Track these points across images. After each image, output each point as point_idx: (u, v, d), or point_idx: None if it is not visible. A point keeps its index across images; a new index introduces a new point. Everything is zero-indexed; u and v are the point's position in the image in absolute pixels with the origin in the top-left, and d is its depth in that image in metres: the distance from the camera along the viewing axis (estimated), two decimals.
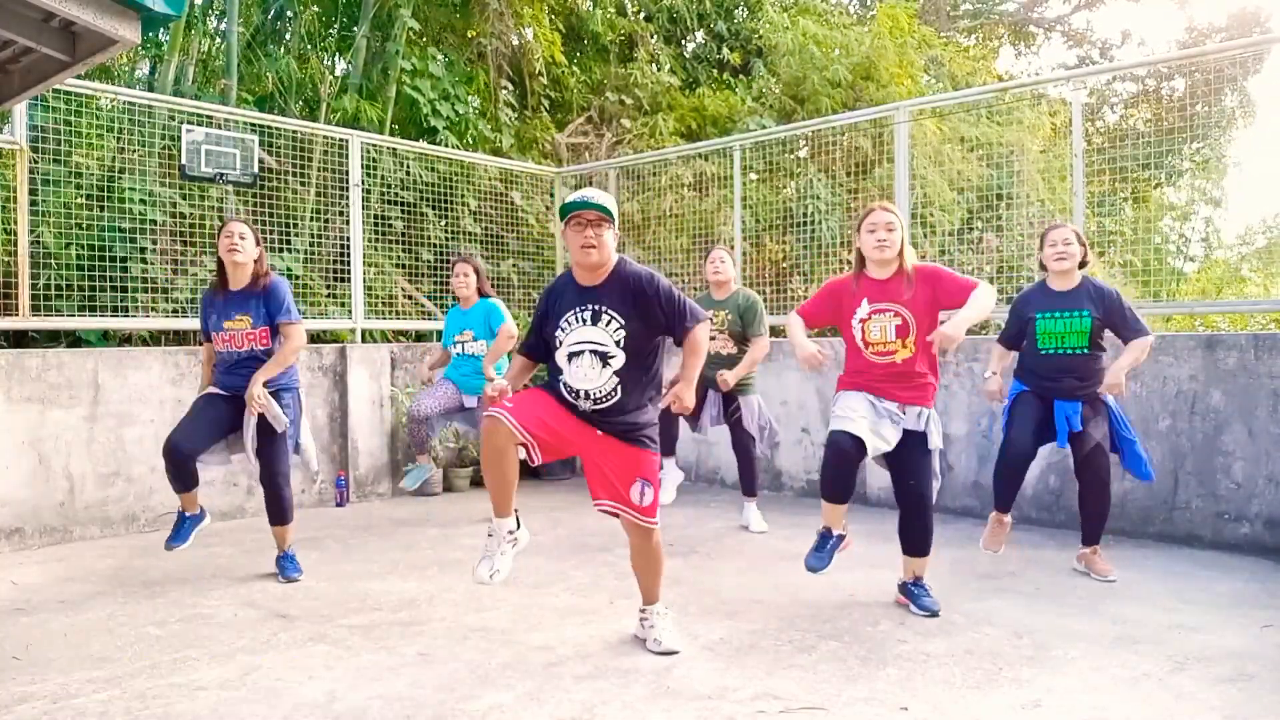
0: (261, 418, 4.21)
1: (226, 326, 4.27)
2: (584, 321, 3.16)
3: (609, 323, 3.14)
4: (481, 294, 5.67)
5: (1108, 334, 4.29)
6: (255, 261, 4.32)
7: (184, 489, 4.27)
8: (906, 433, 3.66)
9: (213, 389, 4.34)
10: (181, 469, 4.21)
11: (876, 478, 6.13)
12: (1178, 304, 6.13)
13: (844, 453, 3.61)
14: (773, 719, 2.72)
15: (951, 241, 6.93)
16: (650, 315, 3.17)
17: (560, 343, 3.19)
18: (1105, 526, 4.35)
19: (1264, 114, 11.66)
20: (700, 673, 3.08)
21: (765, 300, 6.98)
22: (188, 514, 4.35)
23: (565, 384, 3.21)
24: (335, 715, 2.75)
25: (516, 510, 3.28)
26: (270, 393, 4.23)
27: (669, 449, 5.52)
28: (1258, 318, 8.05)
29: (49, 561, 4.74)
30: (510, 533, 3.26)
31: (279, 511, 4.36)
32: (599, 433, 3.21)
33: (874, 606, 3.84)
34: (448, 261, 7.63)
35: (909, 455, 3.68)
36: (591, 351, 3.12)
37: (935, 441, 3.68)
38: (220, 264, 4.32)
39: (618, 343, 3.13)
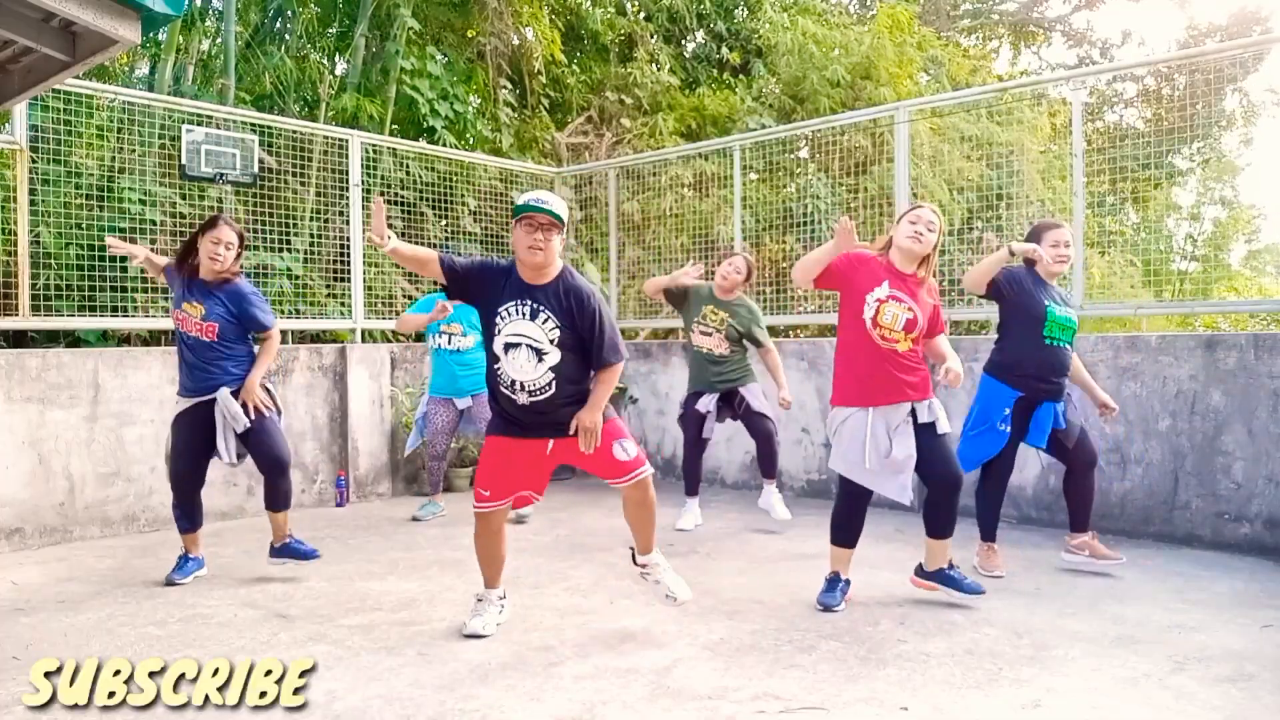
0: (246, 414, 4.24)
1: (185, 308, 4.23)
2: (523, 315, 3.29)
3: (545, 321, 3.29)
4: None
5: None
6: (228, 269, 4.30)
7: (191, 527, 4.35)
8: (922, 426, 3.73)
9: (182, 401, 4.28)
10: (190, 502, 4.32)
11: None
12: (1178, 304, 6.13)
13: (857, 501, 3.82)
14: (773, 719, 2.72)
15: (951, 241, 6.93)
16: (578, 330, 3.31)
17: (498, 330, 3.32)
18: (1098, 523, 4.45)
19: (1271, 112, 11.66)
20: (700, 673, 3.08)
21: (765, 300, 7.00)
22: (191, 555, 4.40)
23: (501, 376, 3.33)
24: (335, 715, 2.75)
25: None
26: (235, 390, 4.24)
27: (693, 489, 5.56)
28: (1258, 318, 8.06)
29: (49, 561, 4.74)
30: (500, 598, 3.63)
31: (283, 496, 4.36)
32: (549, 447, 3.40)
33: (874, 606, 3.84)
34: None
35: (931, 445, 3.73)
36: (528, 346, 3.27)
37: (944, 426, 3.77)
38: (194, 250, 4.24)
39: (552, 340, 3.28)
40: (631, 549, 3.62)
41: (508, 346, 3.29)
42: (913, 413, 3.73)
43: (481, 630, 3.45)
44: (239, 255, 4.33)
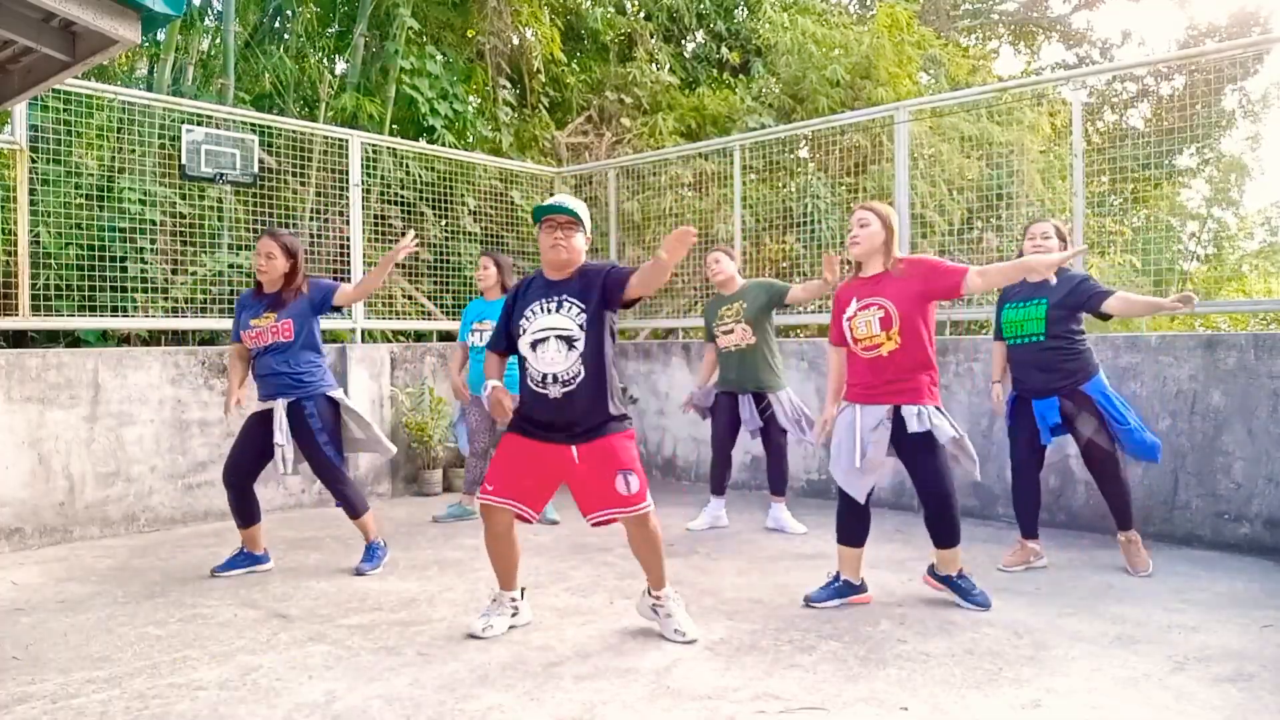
0: (295, 430, 4.34)
1: (253, 325, 4.38)
2: (548, 311, 3.39)
3: (570, 309, 3.37)
4: (505, 288, 5.73)
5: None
6: (287, 274, 4.40)
7: (244, 523, 4.45)
8: (911, 436, 3.68)
9: (255, 407, 4.45)
10: (241, 497, 4.42)
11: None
12: None
13: (849, 501, 3.83)
14: (773, 719, 2.72)
15: (951, 241, 6.93)
16: (596, 294, 3.37)
17: (524, 331, 3.42)
18: (1130, 510, 4.38)
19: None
20: (700, 673, 3.08)
21: None
22: (246, 550, 4.49)
23: (532, 374, 3.39)
24: (335, 715, 2.75)
25: (524, 588, 3.67)
26: (290, 403, 4.34)
27: (719, 488, 5.54)
28: (1259, 317, 8.06)
29: (49, 561, 4.74)
30: (513, 600, 3.57)
31: (347, 508, 4.50)
32: (574, 452, 3.38)
33: (874, 606, 3.84)
34: (448, 261, 7.65)
35: (918, 458, 3.73)
36: (556, 336, 3.34)
37: (944, 435, 3.69)
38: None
39: (580, 325, 3.36)
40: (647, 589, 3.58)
41: (535, 343, 3.37)
42: (901, 421, 3.70)
43: (480, 631, 3.46)
44: (293, 254, 4.41)
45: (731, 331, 5.37)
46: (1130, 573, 4.30)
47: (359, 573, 4.43)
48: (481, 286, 5.79)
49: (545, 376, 3.35)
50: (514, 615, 3.57)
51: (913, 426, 3.66)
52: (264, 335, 4.34)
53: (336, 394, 4.47)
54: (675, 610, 3.50)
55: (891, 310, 3.68)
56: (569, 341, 3.33)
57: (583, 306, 3.36)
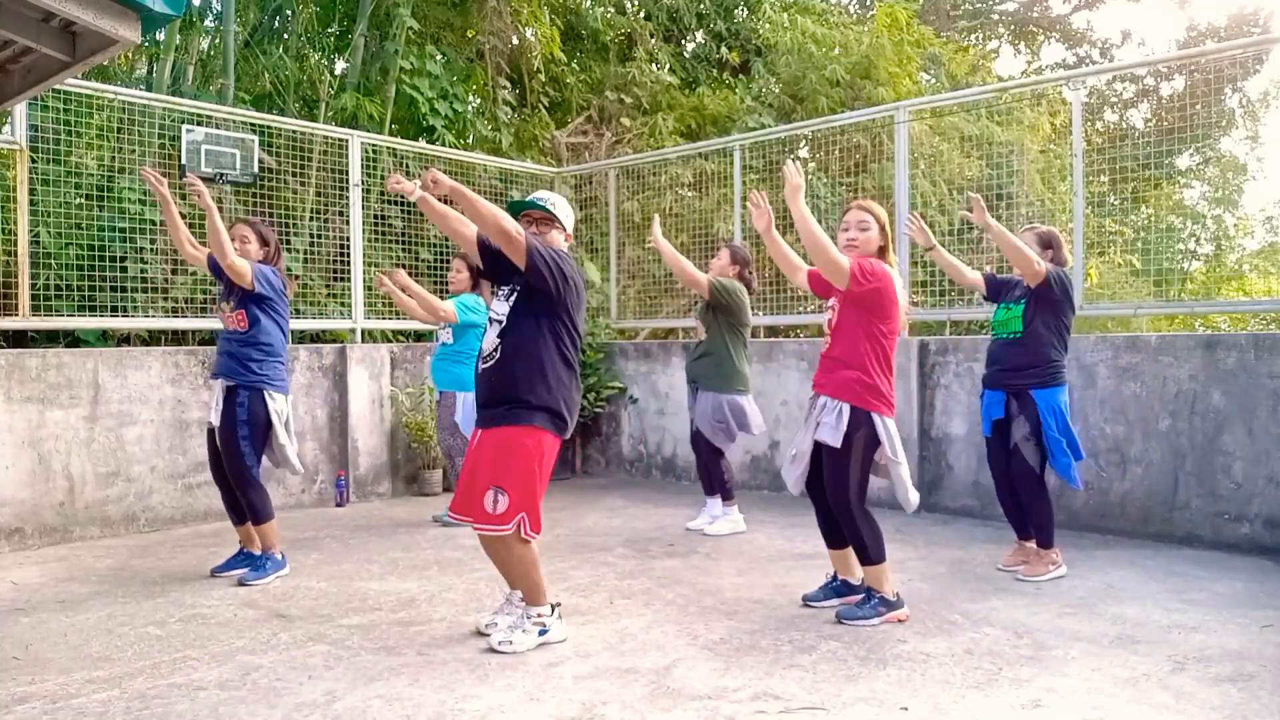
0: (223, 414, 4.29)
1: (222, 306, 4.42)
2: (500, 297, 3.43)
3: (509, 293, 3.39)
4: (475, 288, 5.73)
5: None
6: (260, 263, 4.41)
7: (237, 519, 4.44)
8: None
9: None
10: (229, 491, 4.41)
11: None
12: (1179, 304, 6.13)
13: (819, 504, 3.81)
14: (773, 719, 2.72)
15: (951, 241, 6.93)
16: (528, 280, 3.25)
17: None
18: (1049, 529, 4.29)
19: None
20: (700, 673, 3.08)
21: (764, 299, 6.98)
22: (245, 550, 4.45)
23: None
24: (335, 715, 2.75)
25: (557, 604, 3.51)
26: (228, 386, 4.28)
27: (728, 493, 5.49)
28: (1259, 317, 8.06)
29: (49, 561, 4.74)
30: (520, 602, 3.44)
31: (250, 512, 4.35)
32: (480, 434, 3.38)
33: None
34: (448, 261, 7.64)
35: (821, 454, 3.69)
36: (495, 320, 3.40)
37: (824, 436, 3.60)
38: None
39: (507, 309, 3.38)
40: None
41: (489, 322, 3.47)
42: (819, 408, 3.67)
43: (483, 627, 3.49)
44: (265, 243, 4.44)
45: (697, 323, 5.50)
46: (1022, 577, 4.24)
47: (241, 583, 4.23)
48: (453, 289, 5.71)
49: (480, 354, 3.45)
50: (522, 616, 3.45)
51: (812, 418, 3.69)
52: (228, 320, 4.37)
53: (277, 396, 4.33)
54: (511, 627, 3.38)
55: (835, 311, 3.69)
56: (498, 324, 3.37)
57: (517, 288, 3.35)
